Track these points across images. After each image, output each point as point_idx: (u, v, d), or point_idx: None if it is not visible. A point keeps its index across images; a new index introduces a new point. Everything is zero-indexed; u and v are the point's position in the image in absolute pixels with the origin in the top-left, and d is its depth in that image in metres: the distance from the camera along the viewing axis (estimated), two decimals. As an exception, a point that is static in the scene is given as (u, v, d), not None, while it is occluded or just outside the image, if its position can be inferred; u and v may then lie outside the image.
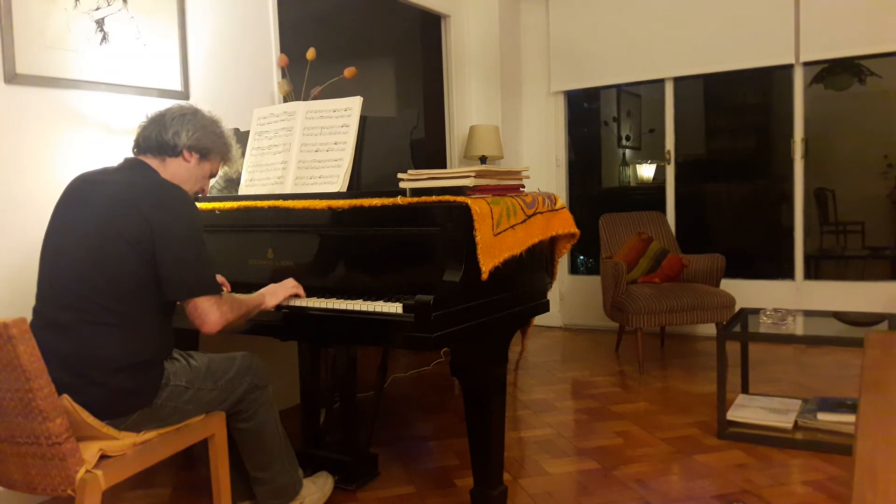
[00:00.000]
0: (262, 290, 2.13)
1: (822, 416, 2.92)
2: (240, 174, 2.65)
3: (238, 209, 2.42)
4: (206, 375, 1.99)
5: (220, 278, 2.15)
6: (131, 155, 2.04)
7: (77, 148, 2.67)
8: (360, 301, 2.06)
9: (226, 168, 2.19)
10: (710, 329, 4.53)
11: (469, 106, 5.28)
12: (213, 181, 2.28)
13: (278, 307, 2.15)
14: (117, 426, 1.80)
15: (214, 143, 2.08)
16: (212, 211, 2.46)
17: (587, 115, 7.00)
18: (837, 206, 6.77)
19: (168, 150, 1.99)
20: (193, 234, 1.88)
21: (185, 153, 2.01)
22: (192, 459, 2.88)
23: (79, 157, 2.66)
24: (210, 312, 1.84)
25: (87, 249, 1.81)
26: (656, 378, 3.97)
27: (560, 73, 5.43)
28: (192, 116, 2.04)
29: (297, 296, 2.17)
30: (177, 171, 2.01)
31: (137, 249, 1.80)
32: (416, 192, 2.16)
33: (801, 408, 3.07)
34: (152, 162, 2.00)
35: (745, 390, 3.38)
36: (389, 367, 3.86)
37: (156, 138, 1.99)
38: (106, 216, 1.82)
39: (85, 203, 1.89)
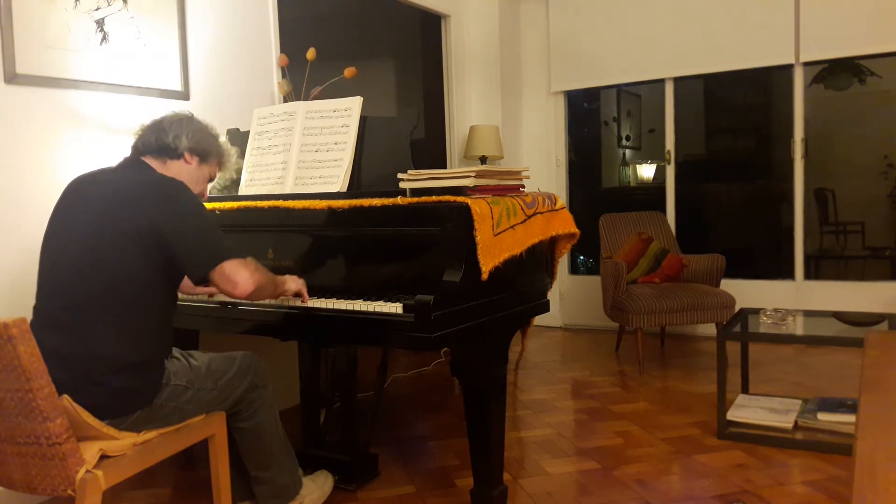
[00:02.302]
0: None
1: (822, 416, 2.92)
2: (240, 173, 2.65)
3: (238, 209, 2.42)
4: (206, 375, 2.00)
5: None
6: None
7: (77, 148, 2.67)
8: (361, 301, 2.06)
9: (220, 173, 2.21)
10: (710, 329, 4.53)
11: (469, 106, 5.28)
12: (211, 185, 2.30)
13: (279, 306, 2.15)
14: (117, 426, 1.80)
15: (213, 146, 2.12)
16: (212, 211, 2.46)
17: (587, 115, 7.01)
18: (837, 206, 6.77)
19: (169, 152, 2.01)
20: (199, 211, 1.89)
21: (187, 155, 2.03)
22: (192, 459, 2.88)
23: (79, 157, 2.67)
24: (239, 272, 1.84)
25: (88, 249, 1.81)
26: (656, 378, 3.97)
27: (560, 73, 5.43)
28: (189, 121, 2.08)
29: (299, 295, 2.17)
30: (178, 172, 2.02)
31: (140, 246, 1.80)
32: (417, 192, 2.17)
33: (801, 408, 3.07)
34: (152, 163, 2.00)
35: (745, 390, 3.38)
36: (389, 367, 3.86)
37: (156, 142, 2.01)
38: (106, 215, 1.83)
39: (85, 203, 1.89)
